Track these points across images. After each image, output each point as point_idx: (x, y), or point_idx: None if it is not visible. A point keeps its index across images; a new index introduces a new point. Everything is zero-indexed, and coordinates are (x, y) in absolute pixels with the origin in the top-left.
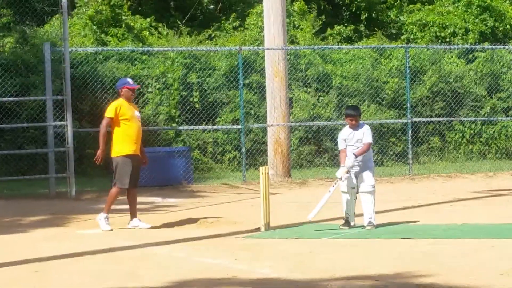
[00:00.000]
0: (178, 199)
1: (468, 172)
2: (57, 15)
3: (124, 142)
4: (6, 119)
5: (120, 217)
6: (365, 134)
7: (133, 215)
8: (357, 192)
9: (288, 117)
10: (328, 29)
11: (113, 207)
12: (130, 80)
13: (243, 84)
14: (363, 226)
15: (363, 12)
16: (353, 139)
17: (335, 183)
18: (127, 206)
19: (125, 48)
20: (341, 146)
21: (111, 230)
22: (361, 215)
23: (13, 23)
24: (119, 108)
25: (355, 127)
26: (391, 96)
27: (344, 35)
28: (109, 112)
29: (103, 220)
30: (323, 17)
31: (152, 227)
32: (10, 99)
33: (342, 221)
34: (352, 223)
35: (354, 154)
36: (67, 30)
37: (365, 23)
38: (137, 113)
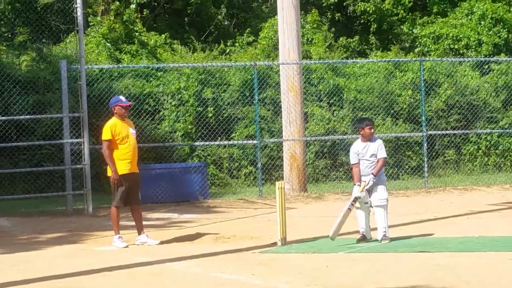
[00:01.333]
0: (194, 215)
1: (483, 184)
2: (73, 33)
3: (118, 162)
4: (24, 136)
5: (135, 233)
6: (380, 149)
7: (140, 231)
8: (370, 206)
9: (304, 131)
10: (339, 41)
11: (129, 223)
12: (122, 98)
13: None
14: (378, 240)
15: (372, 23)
16: (367, 153)
17: (354, 202)
18: (144, 223)
19: (141, 65)
20: (353, 160)
21: (127, 246)
22: (376, 229)
23: (29, 41)
24: (113, 128)
25: (372, 138)
26: (406, 109)
27: (357, 49)
28: (106, 135)
29: (117, 240)
30: (334, 30)
31: (162, 242)
32: (27, 117)
33: (358, 236)
34: (368, 237)
35: (373, 174)
36: (83, 48)
37: (377, 36)
38: (132, 131)
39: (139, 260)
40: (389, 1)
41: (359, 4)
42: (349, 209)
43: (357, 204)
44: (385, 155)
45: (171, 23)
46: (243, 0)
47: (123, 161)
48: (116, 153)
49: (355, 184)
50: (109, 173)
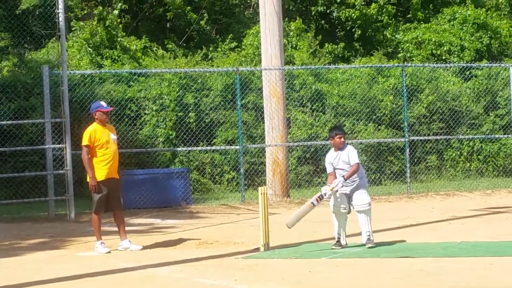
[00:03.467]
0: (177, 220)
1: (466, 190)
2: (54, 38)
3: (97, 168)
4: (5, 142)
5: (118, 239)
6: (351, 155)
7: (122, 237)
8: (348, 212)
9: (286, 137)
10: (324, 47)
11: (112, 228)
12: (103, 103)
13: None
14: (363, 245)
15: (357, 29)
16: (340, 163)
17: (318, 198)
18: (126, 228)
19: (123, 70)
20: (329, 169)
21: (109, 252)
22: (353, 235)
23: (10, 46)
24: (93, 134)
25: (342, 146)
26: (388, 115)
27: (340, 55)
28: (85, 140)
29: (100, 246)
30: (320, 37)
31: (145, 248)
32: (9, 122)
33: (334, 241)
34: (343, 243)
35: (343, 176)
36: (65, 53)
37: (361, 42)
38: (113, 136)
39: (122, 265)
40: (374, 6)
41: (344, 10)
42: (312, 203)
43: (333, 209)
44: (358, 161)
45: (152, 29)
46: (225, 6)
47: (102, 167)
48: (96, 159)
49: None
50: (88, 178)
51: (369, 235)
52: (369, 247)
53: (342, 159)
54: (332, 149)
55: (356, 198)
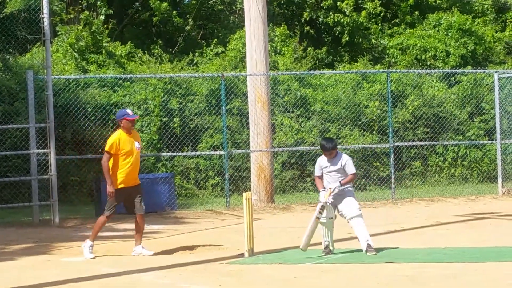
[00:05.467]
0: (162, 226)
1: (450, 195)
2: (39, 42)
3: (117, 176)
4: None
5: (105, 244)
6: (348, 164)
7: (137, 243)
8: (333, 218)
9: (271, 142)
10: (307, 51)
11: (98, 234)
12: (129, 111)
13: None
14: (348, 251)
15: (345, 35)
16: (331, 168)
17: (321, 210)
18: (112, 233)
19: (108, 75)
20: (317, 172)
21: (94, 258)
22: (338, 240)
23: None
24: (117, 142)
25: (335, 156)
26: (374, 121)
27: (325, 61)
28: (108, 147)
29: (87, 248)
30: (305, 42)
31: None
32: None
33: (322, 248)
34: (332, 249)
35: (340, 182)
36: (49, 58)
37: (347, 48)
38: (137, 145)
39: (107, 271)
40: (364, 14)
41: (333, 15)
42: (317, 217)
43: (323, 219)
44: (355, 171)
45: (138, 34)
46: (210, 11)
47: (120, 177)
48: (117, 167)
49: (320, 191)
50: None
51: (367, 240)
52: (371, 254)
53: (334, 165)
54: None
55: (345, 206)
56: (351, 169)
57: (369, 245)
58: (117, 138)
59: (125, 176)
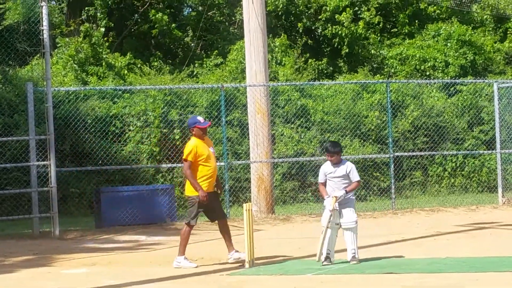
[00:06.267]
0: (162, 237)
1: (450, 205)
2: (39, 54)
3: (200, 182)
4: None
5: (106, 256)
6: (353, 173)
7: (230, 249)
8: (338, 225)
9: (271, 153)
10: (309, 63)
11: (97, 246)
12: (200, 119)
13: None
14: (347, 262)
15: (344, 47)
16: (336, 174)
17: (330, 218)
18: (113, 245)
19: (108, 87)
20: (321, 179)
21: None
22: (342, 250)
23: None
24: (195, 149)
25: (336, 164)
26: (373, 131)
27: (324, 71)
28: (188, 155)
29: (184, 261)
30: (307, 54)
31: (130, 265)
32: None
33: (322, 259)
34: (332, 259)
35: (345, 190)
36: (49, 70)
37: (345, 58)
38: (212, 150)
39: (108, 283)
40: (362, 25)
41: (331, 28)
42: (337, 224)
43: (331, 225)
44: (359, 178)
45: (137, 45)
46: (209, 22)
47: (202, 182)
48: (198, 174)
49: (325, 198)
50: (190, 192)
51: (354, 253)
52: (353, 264)
53: (338, 173)
54: (329, 162)
55: (344, 215)
56: (355, 176)
57: (353, 256)
58: (194, 145)
59: (208, 181)
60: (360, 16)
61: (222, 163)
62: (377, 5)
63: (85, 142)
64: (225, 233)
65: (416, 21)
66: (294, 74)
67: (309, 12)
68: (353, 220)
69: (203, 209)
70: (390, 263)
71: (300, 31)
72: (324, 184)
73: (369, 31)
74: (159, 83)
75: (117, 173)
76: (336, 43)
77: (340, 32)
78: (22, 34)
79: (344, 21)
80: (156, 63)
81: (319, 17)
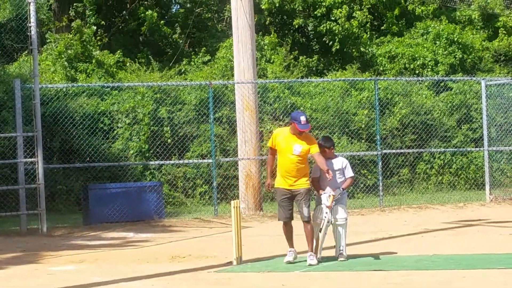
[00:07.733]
0: (150, 234)
1: (438, 203)
2: (27, 51)
3: (277, 174)
4: None
5: (93, 253)
6: (347, 169)
7: (309, 249)
8: (330, 223)
9: (259, 150)
10: (299, 60)
11: (85, 242)
12: (303, 119)
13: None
14: (335, 258)
15: (336, 44)
16: (331, 169)
17: (326, 215)
18: (100, 242)
19: (96, 84)
20: (315, 173)
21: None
22: (329, 248)
23: None
24: (275, 137)
25: (329, 158)
26: (362, 128)
27: (314, 68)
28: (269, 141)
29: (288, 253)
30: (296, 52)
31: (118, 262)
32: None
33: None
34: (318, 256)
35: (342, 188)
36: (37, 67)
37: (337, 56)
38: (296, 146)
39: (95, 280)
40: (356, 24)
41: (325, 24)
42: (329, 221)
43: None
44: (353, 174)
45: (125, 43)
46: (198, 19)
47: (278, 175)
48: (277, 164)
49: (321, 194)
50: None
51: (341, 250)
52: (341, 261)
53: (336, 165)
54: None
55: (335, 212)
56: (350, 172)
57: (341, 253)
58: (277, 133)
59: (279, 176)
60: (353, 15)
61: (210, 160)
62: (369, 6)
63: (73, 139)
64: (306, 235)
65: (404, 19)
66: (284, 71)
67: (304, 8)
68: (343, 217)
69: (282, 202)
70: (378, 260)
71: (293, 29)
72: (318, 178)
73: (361, 30)
74: (148, 80)
75: (105, 170)
76: (328, 40)
77: (334, 28)
78: (10, 31)
79: (338, 18)
80: (144, 60)
81: (315, 12)
